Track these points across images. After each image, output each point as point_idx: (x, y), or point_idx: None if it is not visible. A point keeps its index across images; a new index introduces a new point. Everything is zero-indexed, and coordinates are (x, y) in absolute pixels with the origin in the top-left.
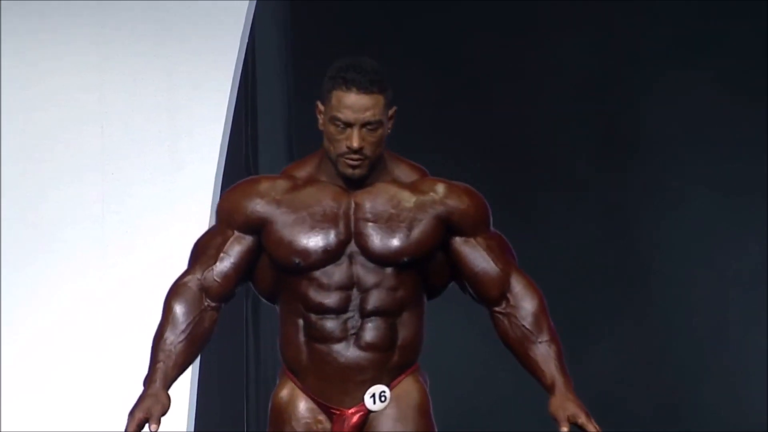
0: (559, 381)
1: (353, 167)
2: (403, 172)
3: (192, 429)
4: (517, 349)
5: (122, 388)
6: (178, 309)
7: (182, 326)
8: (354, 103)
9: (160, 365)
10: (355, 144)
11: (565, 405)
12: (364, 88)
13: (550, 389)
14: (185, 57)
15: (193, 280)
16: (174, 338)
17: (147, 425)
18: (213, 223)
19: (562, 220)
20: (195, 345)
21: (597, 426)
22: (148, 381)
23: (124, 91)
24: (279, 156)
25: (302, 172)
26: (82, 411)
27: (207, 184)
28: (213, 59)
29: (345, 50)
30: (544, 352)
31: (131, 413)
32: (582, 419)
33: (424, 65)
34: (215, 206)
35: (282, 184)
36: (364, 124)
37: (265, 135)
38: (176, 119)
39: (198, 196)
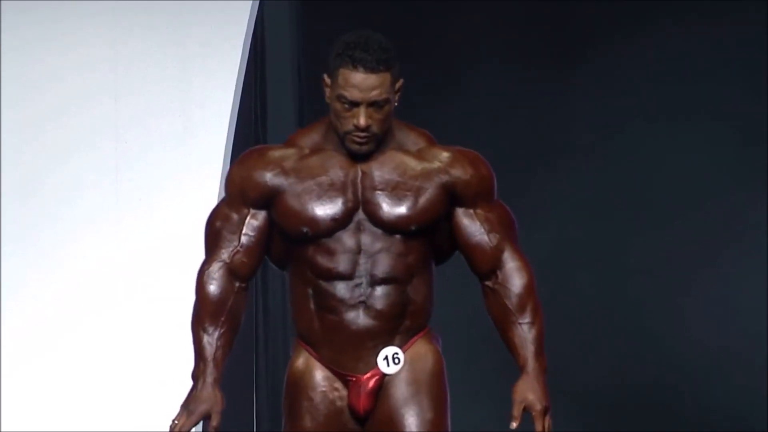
0: (530, 365)
1: (360, 144)
2: (410, 139)
3: None
4: (498, 326)
5: (138, 363)
6: (215, 297)
7: (222, 315)
8: (361, 83)
9: (209, 359)
10: (362, 123)
11: (526, 391)
12: (371, 68)
13: (520, 371)
14: (196, 29)
15: (221, 264)
16: (216, 328)
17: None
18: (222, 194)
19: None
20: (235, 330)
21: (547, 425)
22: (199, 376)
23: (138, 63)
24: (287, 126)
25: (309, 141)
26: (90, 393)
27: (218, 152)
28: (223, 31)
29: (355, 22)
30: (522, 334)
31: (186, 408)
32: (536, 411)
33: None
34: (225, 174)
35: (289, 154)
36: (370, 103)
37: (274, 105)
38: (188, 90)
39: (209, 164)
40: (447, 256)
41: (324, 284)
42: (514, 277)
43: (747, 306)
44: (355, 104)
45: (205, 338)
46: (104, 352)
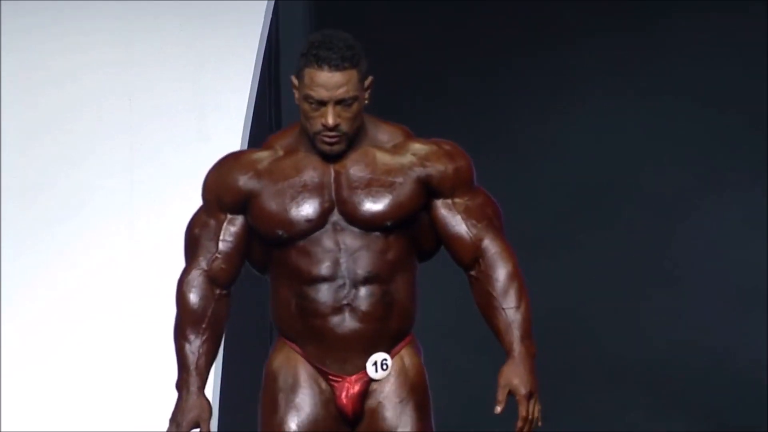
0: (515, 350)
1: (330, 144)
2: (385, 134)
3: (217, 411)
4: (484, 314)
5: (144, 364)
6: (195, 305)
7: (203, 323)
8: (326, 81)
9: (192, 368)
10: (330, 122)
11: (510, 375)
12: (335, 65)
13: (507, 356)
14: (211, 31)
15: (200, 272)
16: (198, 336)
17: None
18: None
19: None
20: (217, 337)
21: (533, 410)
22: (183, 386)
23: (152, 65)
24: None
25: (284, 142)
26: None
27: None
28: (238, 33)
29: (370, 20)
30: (506, 319)
31: (174, 420)
32: (520, 395)
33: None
34: None
35: (263, 156)
36: (338, 102)
37: (289, 107)
38: (202, 92)
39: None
40: (431, 253)
41: (306, 288)
42: (497, 263)
43: (747, 304)
44: (322, 103)
45: (187, 347)
46: (115, 354)
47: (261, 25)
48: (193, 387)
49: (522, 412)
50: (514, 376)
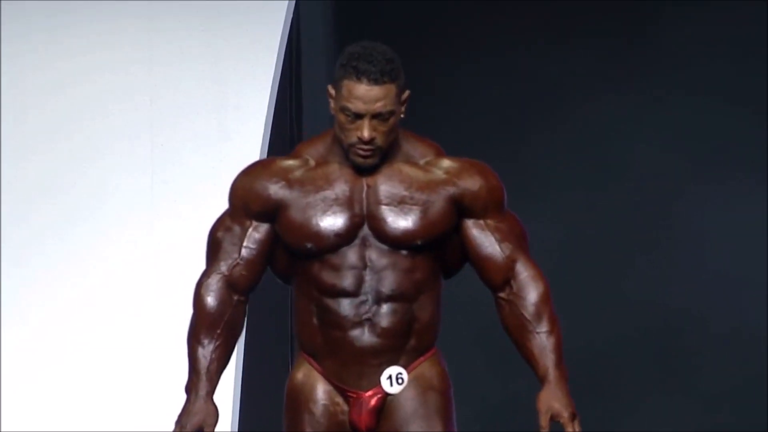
0: (551, 374)
1: (364, 157)
2: (417, 150)
3: (237, 417)
4: (515, 338)
5: (158, 364)
6: (211, 310)
7: (218, 328)
8: (364, 95)
9: (203, 372)
10: (366, 135)
11: (551, 400)
12: (374, 79)
13: (542, 381)
14: (232, 30)
15: (219, 277)
16: (212, 341)
17: None
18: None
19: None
20: (231, 343)
21: (579, 428)
22: (192, 389)
23: (173, 64)
24: (323, 127)
25: (314, 152)
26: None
27: (253, 154)
28: (259, 32)
29: (389, 21)
30: (540, 343)
31: (179, 422)
32: (564, 418)
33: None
34: None
35: (294, 166)
36: (375, 115)
37: (309, 107)
38: (223, 92)
39: (244, 165)
40: (455, 271)
41: (328, 300)
42: (529, 286)
43: (746, 303)
44: (358, 116)
45: (200, 351)
46: (130, 354)
47: (282, 24)
48: (202, 391)
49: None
50: (554, 400)
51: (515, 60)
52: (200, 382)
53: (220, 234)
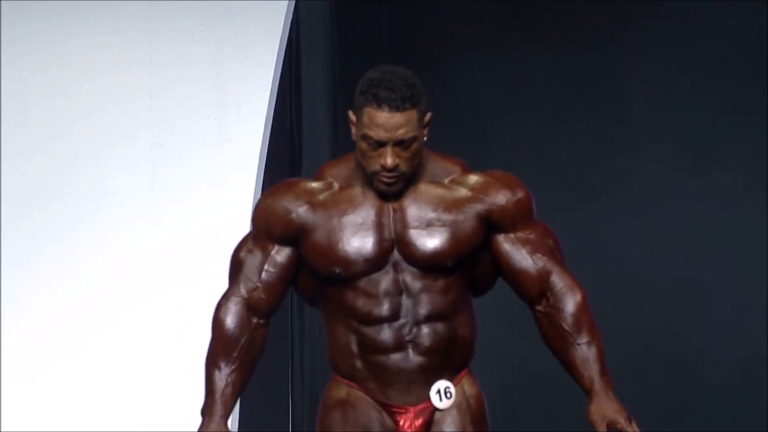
0: (597, 384)
1: (388, 184)
2: (441, 168)
3: (237, 417)
4: (557, 350)
5: (162, 365)
6: (229, 332)
7: (235, 351)
8: (386, 122)
9: (218, 395)
10: (390, 163)
11: (603, 410)
12: (396, 106)
13: (588, 393)
14: (232, 31)
15: (238, 300)
16: (228, 364)
17: None
18: (257, 196)
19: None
20: (249, 367)
21: (638, 428)
22: (207, 412)
23: (173, 65)
24: (322, 128)
25: (339, 174)
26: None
27: (253, 155)
28: (259, 33)
29: (390, 23)
30: (582, 355)
31: None
32: (621, 424)
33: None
34: (260, 176)
35: (318, 189)
36: (397, 143)
37: (310, 108)
38: (223, 93)
39: (244, 167)
40: (487, 288)
41: (366, 328)
42: (567, 297)
43: (746, 303)
44: (381, 144)
45: (216, 374)
46: (128, 354)
47: (281, 25)
48: (216, 415)
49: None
50: (607, 409)
51: (517, 59)
52: (215, 405)
53: (242, 255)
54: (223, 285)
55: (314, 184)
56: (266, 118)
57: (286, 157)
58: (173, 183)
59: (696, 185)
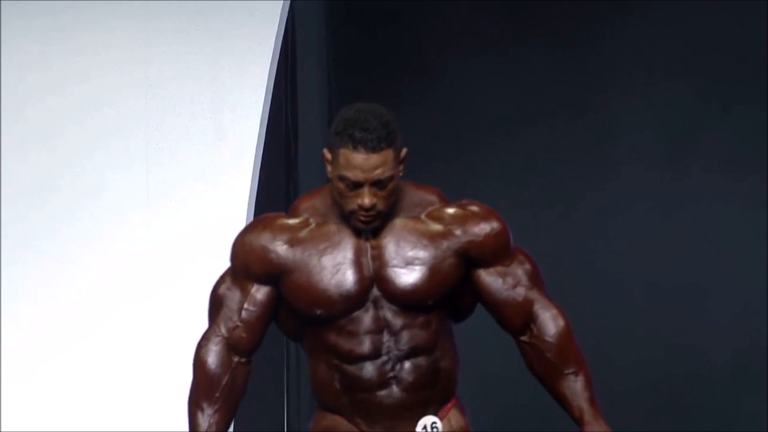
0: (587, 413)
1: (366, 222)
2: (418, 199)
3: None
4: (544, 380)
5: (157, 363)
6: (210, 373)
7: (217, 391)
8: (363, 164)
9: None
10: (367, 203)
11: None
12: (372, 148)
13: (579, 422)
14: (227, 30)
15: (219, 339)
16: (211, 405)
17: None
18: (254, 191)
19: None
20: (232, 406)
21: None
22: None
23: (169, 63)
24: (318, 126)
25: (314, 209)
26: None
27: (249, 153)
28: (254, 31)
29: (384, 22)
30: (570, 385)
31: None
32: None
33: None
34: (256, 175)
35: (294, 225)
36: (374, 183)
37: (305, 106)
38: (219, 91)
39: (240, 165)
40: (467, 315)
41: (349, 366)
42: (550, 326)
43: (746, 303)
44: (358, 185)
45: (199, 415)
46: (124, 353)
47: (277, 24)
48: None
49: None
50: None
51: (514, 58)
52: None
53: (221, 292)
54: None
55: (291, 221)
56: (261, 117)
57: (282, 156)
58: (168, 181)
59: (677, 185)
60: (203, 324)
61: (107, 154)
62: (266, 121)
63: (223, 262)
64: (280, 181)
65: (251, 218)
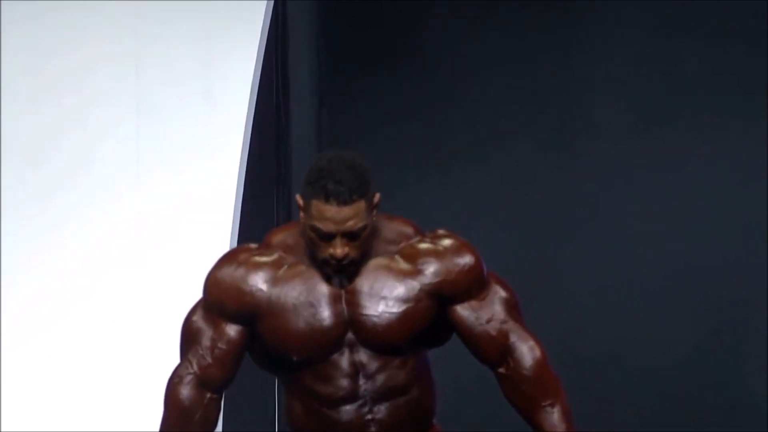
0: None
1: (338, 271)
2: (392, 233)
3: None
4: (522, 412)
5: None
6: (182, 409)
7: (187, 427)
8: (334, 216)
9: None
10: (339, 253)
11: None
12: (344, 201)
13: None
14: (219, 2)
15: (191, 377)
16: None
17: None
18: (245, 161)
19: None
20: None
21: None
22: None
23: (159, 35)
24: (308, 97)
25: (287, 246)
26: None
27: (239, 126)
28: (246, 4)
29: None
30: (547, 417)
31: None
32: None
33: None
34: (246, 147)
35: (268, 265)
36: (346, 234)
37: (295, 80)
38: (209, 60)
39: (229, 138)
40: (443, 343)
41: (326, 410)
42: (526, 359)
43: (745, 302)
44: (330, 236)
45: None
46: (120, 342)
47: None
48: None
49: None
50: None
51: (507, 56)
52: None
53: (193, 326)
54: (211, 253)
55: (265, 259)
56: (252, 85)
57: (273, 126)
58: (158, 151)
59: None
60: (197, 295)
61: (96, 124)
62: (257, 91)
63: (216, 232)
64: (271, 149)
65: (241, 191)
